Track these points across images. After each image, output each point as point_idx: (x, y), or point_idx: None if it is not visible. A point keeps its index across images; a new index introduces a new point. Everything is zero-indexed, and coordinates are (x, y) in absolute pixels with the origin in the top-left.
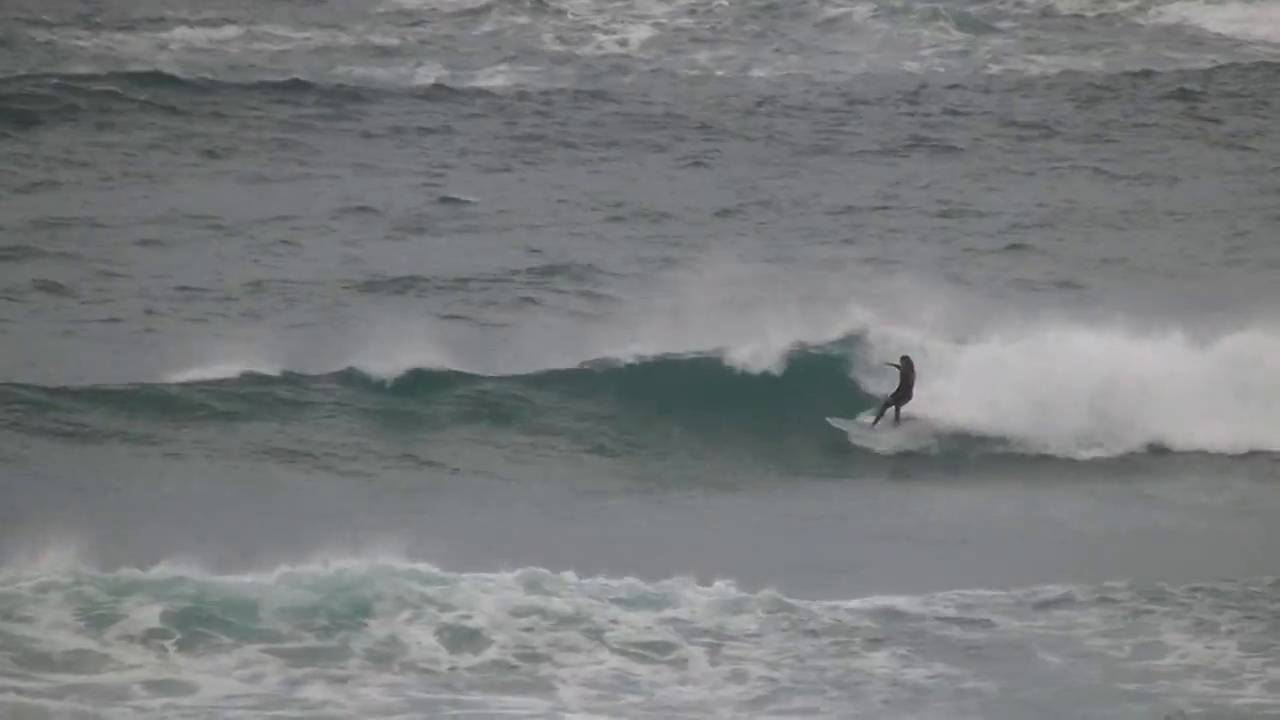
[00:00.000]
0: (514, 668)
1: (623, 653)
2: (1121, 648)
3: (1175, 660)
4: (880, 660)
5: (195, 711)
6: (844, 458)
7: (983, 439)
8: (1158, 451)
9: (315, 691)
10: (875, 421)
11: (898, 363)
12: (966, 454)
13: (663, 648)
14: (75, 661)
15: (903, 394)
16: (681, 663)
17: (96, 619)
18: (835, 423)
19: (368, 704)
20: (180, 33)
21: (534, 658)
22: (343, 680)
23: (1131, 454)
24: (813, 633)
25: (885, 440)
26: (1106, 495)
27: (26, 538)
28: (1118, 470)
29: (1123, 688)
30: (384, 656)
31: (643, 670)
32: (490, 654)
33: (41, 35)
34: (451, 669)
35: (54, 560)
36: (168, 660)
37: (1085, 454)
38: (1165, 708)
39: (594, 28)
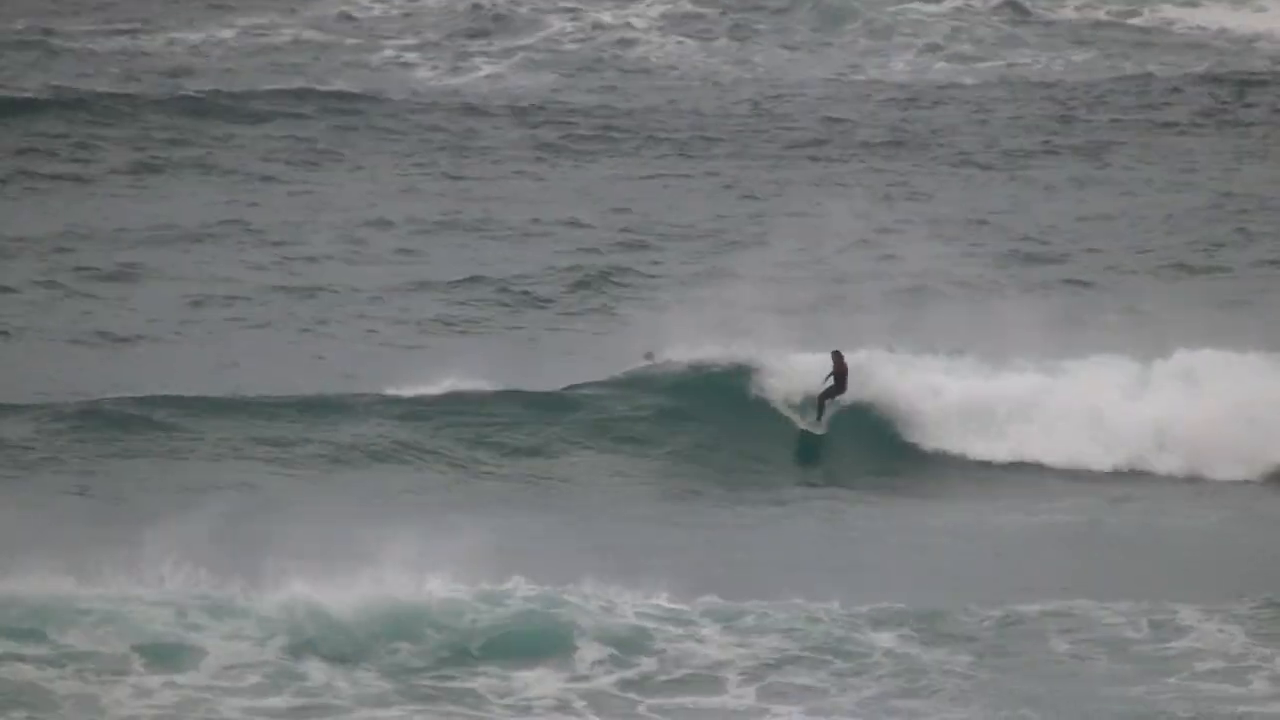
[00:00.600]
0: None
1: (639, 620)
2: (1135, 639)
3: (1189, 643)
4: (886, 640)
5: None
6: (872, 466)
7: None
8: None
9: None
10: (819, 417)
11: (833, 369)
12: (995, 467)
13: (678, 619)
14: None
15: (838, 386)
16: (696, 633)
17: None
18: (802, 425)
19: (363, 695)
20: (193, 35)
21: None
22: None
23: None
24: (824, 619)
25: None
26: (1128, 506)
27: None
28: (1130, 482)
29: (1129, 690)
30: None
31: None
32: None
33: (65, 42)
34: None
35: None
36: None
37: (1100, 468)
38: (1168, 707)
39: (597, 25)
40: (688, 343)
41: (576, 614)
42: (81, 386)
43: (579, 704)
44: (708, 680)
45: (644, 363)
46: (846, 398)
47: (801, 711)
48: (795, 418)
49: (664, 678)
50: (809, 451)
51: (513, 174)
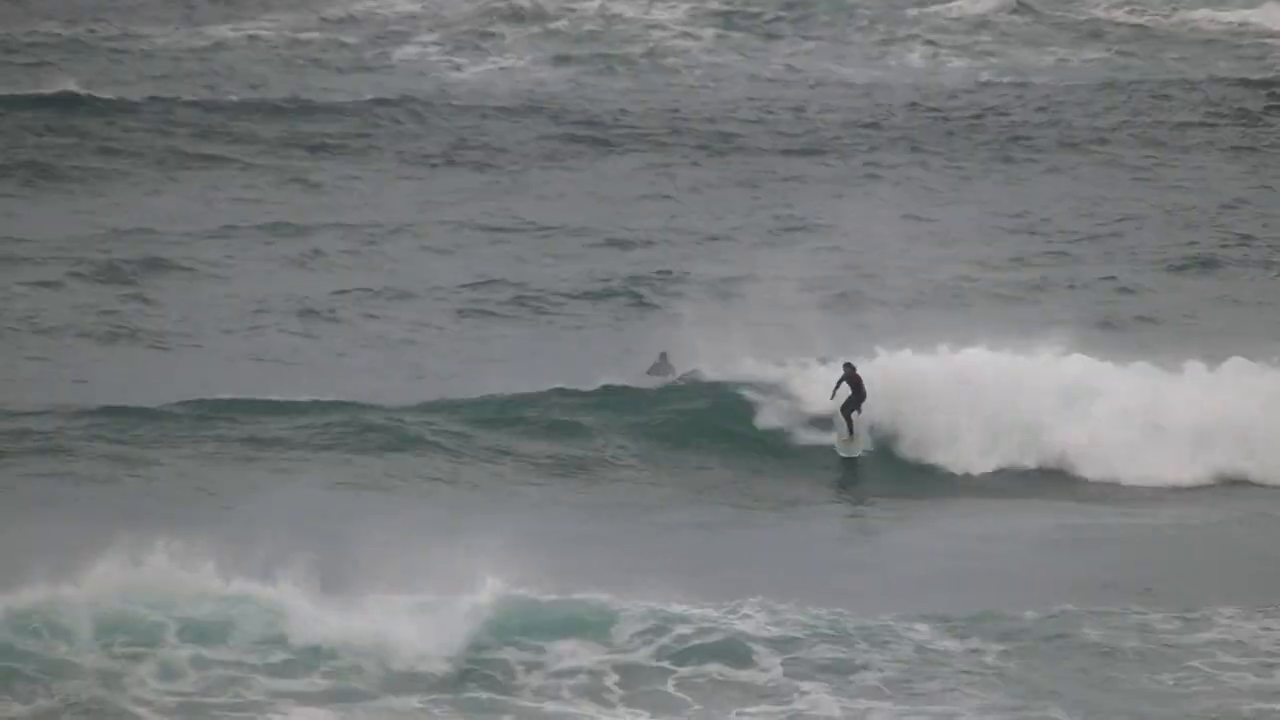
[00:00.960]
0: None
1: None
2: (1166, 636)
3: (1218, 636)
4: (916, 630)
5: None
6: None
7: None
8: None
9: None
10: (851, 432)
11: (841, 376)
12: (1026, 472)
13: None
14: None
15: (856, 397)
16: (737, 609)
17: None
18: (841, 452)
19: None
20: (224, 34)
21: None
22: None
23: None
24: (856, 614)
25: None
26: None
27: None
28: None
29: (1156, 686)
30: None
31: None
32: None
33: (97, 41)
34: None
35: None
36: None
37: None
38: (1194, 704)
39: (621, 21)
40: (713, 347)
41: (613, 605)
42: (125, 385)
43: (611, 677)
44: (738, 657)
45: (661, 371)
46: (870, 408)
47: (827, 690)
48: (834, 443)
49: (695, 650)
50: (837, 461)
51: (537, 172)
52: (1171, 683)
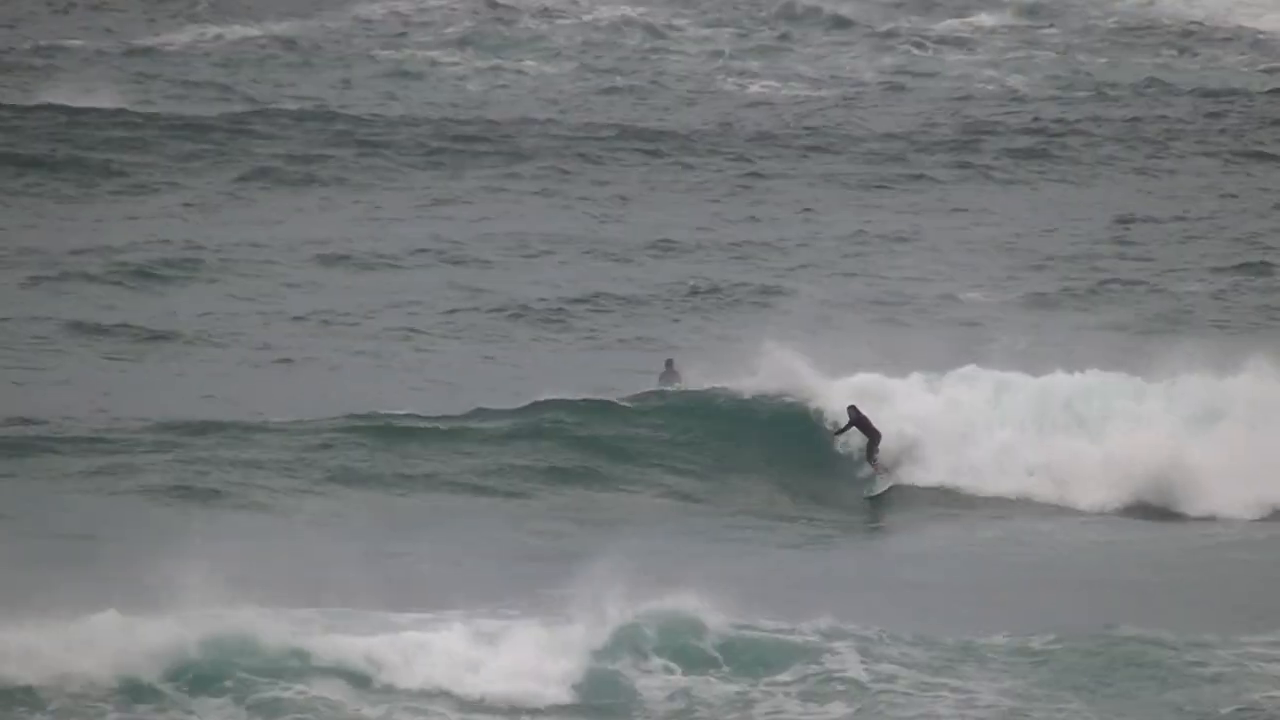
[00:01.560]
0: None
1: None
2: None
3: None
4: (950, 619)
5: None
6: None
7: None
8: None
9: None
10: (876, 473)
11: (848, 421)
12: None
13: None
14: None
15: (873, 439)
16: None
17: None
18: (873, 493)
19: None
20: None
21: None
22: None
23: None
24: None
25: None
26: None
27: None
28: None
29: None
30: None
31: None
32: None
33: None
34: None
35: None
36: None
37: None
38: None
39: (626, 30)
40: (725, 366)
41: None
42: (142, 393)
43: (647, 631)
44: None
45: (668, 379)
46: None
47: (852, 647)
48: (864, 478)
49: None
50: (859, 482)
51: (547, 187)
52: (1192, 675)
